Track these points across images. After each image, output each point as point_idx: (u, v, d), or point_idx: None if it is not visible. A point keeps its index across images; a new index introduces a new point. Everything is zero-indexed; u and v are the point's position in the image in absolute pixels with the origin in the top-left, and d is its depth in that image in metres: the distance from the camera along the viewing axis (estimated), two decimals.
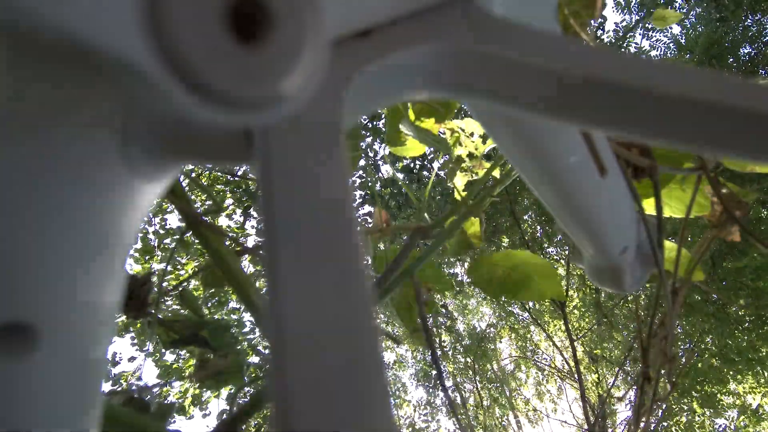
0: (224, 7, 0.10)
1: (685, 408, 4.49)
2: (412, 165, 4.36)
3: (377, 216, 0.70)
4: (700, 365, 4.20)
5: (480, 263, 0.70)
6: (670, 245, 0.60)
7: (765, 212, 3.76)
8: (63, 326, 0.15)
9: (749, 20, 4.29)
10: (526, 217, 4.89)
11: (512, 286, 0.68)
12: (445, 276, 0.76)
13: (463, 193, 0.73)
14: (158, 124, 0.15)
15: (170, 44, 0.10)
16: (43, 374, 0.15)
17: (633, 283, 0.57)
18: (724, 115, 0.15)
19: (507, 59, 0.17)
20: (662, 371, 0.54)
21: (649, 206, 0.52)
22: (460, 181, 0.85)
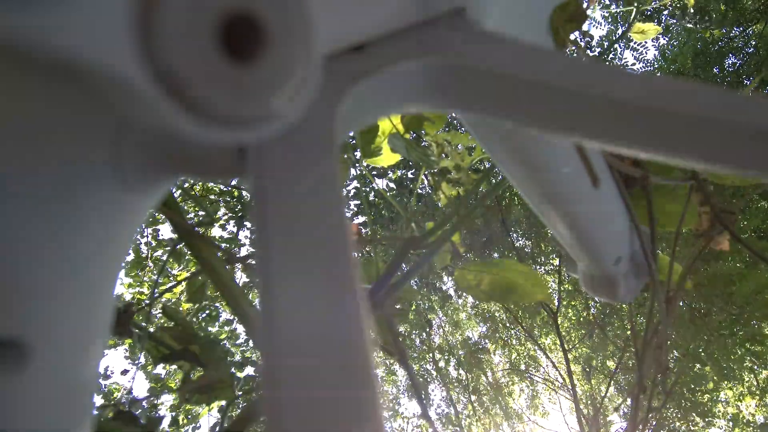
0: (218, 26, 0.10)
1: (677, 416, 4.48)
2: (403, 176, 4.35)
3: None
4: (691, 374, 4.19)
5: (466, 271, 0.70)
6: (661, 256, 0.61)
7: (744, 222, 3.78)
8: (54, 342, 0.15)
9: (734, 31, 4.37)
10: (515, 224, 4.89)
11: (500, 290, 0.69)
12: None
13: (449, 203, 0.74)
14: (151, 141, 0.14)
15: (163, 63, 0.10)
16: (35, 390, 0.15)
17: (627, 293, 0.57)
18: (711, 128, 0.15)
19: (499, 73, 0.17)
20: (656, 380, 0.54)
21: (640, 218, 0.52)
22: (446, 192, 0.85)
